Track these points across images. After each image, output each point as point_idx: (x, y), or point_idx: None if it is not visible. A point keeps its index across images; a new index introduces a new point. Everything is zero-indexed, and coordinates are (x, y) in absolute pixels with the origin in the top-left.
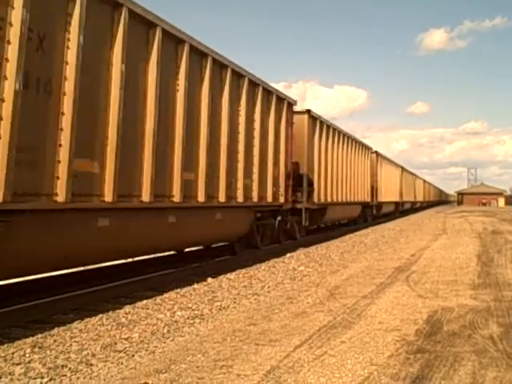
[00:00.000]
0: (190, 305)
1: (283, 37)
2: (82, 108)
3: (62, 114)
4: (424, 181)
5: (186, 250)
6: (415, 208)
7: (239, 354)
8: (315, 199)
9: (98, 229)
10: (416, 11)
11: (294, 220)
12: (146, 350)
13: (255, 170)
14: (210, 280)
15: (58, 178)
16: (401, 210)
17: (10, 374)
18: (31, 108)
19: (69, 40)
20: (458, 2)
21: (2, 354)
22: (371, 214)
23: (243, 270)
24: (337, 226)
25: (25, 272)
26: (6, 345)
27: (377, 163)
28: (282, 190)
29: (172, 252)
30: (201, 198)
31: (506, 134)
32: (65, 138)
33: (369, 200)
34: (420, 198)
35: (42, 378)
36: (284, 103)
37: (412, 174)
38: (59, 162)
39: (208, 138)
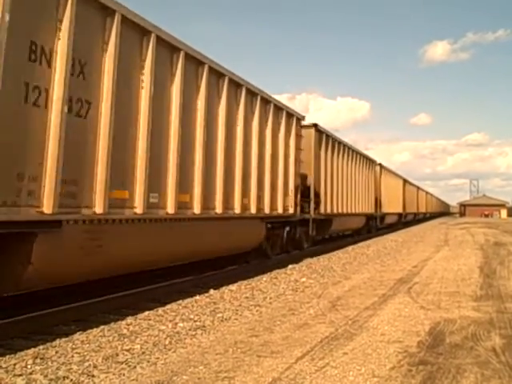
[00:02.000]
0: (191, 316)
1: (285, 48)
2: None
3: None
4: (429, 193)
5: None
6: (421, 218)
7: (241, 365)
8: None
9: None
10: (419, 23)
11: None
12: (148, 362)
13: (362, 197)
14: (211, 291)
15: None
16: (416, 218)
17: None
18: None
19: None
20: (462, 15)
21: (4, 365)
22: (414, 218)
23: (245, 282)
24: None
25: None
26: (7, 356)
27: (404, 186)
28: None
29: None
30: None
31: (508, 145)
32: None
33: (401, 211)
34: (429, 210)
35: None
36: (373, 163)
37: (423, 190)
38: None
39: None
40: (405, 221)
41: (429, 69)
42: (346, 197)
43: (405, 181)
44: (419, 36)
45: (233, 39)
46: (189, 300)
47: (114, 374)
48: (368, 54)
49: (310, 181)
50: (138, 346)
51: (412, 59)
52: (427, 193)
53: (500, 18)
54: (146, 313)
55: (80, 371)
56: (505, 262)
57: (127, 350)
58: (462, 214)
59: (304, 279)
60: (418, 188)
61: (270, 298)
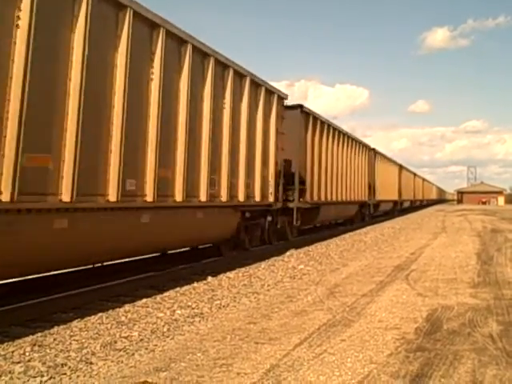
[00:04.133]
0: (189, 303)
1: (284, 35)
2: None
3: None
4: (431, 182)
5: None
6: (424, 204)
7: (239, 352)
8: None
9: None
10: (418, 10)
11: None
12: (146, 349)
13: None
14: (209, 279)
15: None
16: (413, 206)
17: (9, 372)
18: None
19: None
20: (462, 1)
21: (2, 353)
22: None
23: (243, 269)
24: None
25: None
26: (5, 343)
27: (414, 178)
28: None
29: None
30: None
31: (506, 132)
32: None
33: (412, 198)
34: (431, 197)
35: (42, 376)
36: (397, 164)
37: (427, 180)
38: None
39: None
40: (414, 206)
41: (428, 56)
42: (384, 188)
43: (414, 174)
44: (419, 23)
45: (231, 27)
46: (187, 287)
47: (112, 361)
48: (367, 41)
49: (372, 182)
50: (136, 334)
51: (411, 46)
52: (429, 182)
53: (501, 5)
54: (144, 300)
55: (78, 358)
56: (502, 249)
57: (125, 337)
58: (460, 202)
59: (302, 266)
60: (424, 179)
61: (268, 285)
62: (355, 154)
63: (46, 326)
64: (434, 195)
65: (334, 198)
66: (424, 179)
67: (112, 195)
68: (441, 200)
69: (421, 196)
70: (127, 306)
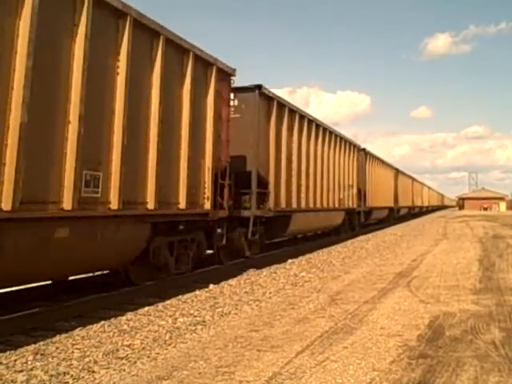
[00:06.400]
0: (191, 311)
1: (285, 42)
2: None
3: None
4: (434, 190)
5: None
6: (424, 211)
7: (241, 360)
8: None
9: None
10: (420, 16)
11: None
12: (148, 357)
13: (407, 197)
14: (211, 286)
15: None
16: (421, 211)
17: (12, 381)
18: None
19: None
20: (464, 7)
21: (5, 362)
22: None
23: (244, 276)
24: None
25: None
26: (8, 352)
27: (422, 188)
28: (409, 201)
29: None
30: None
31: (508, 138)
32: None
33: (421, 204)
34: (434, 203)
35: None
36: (410, 177)
37: (433, 189)
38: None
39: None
40: (422, 211)
41: (430, 62)
42: (403, 197)
43: (422, 184)
44: (420, 29)
45: (233, 34)
46: (189, 295)
47: (114, 370)
48: (368, 48)
49: (395, 193)
50: (139, 342)
51: (413, 52)
52: (433, 190)
53: (502, 11)
54: (146, 308)
55: (80, 367)
56: (504, 255)
57: (127, 346)
58: (461, 208)
59: (303, 274)
60: (429, 188)
61: (270, 293)
62: (387, 172)
63: (48, 335)
64: (436, 201)
65: (378, 205)
66: (429, 188)
67: (319, 204)
68: (442, 206)
69: (427, 202)
70: (129, 315)
